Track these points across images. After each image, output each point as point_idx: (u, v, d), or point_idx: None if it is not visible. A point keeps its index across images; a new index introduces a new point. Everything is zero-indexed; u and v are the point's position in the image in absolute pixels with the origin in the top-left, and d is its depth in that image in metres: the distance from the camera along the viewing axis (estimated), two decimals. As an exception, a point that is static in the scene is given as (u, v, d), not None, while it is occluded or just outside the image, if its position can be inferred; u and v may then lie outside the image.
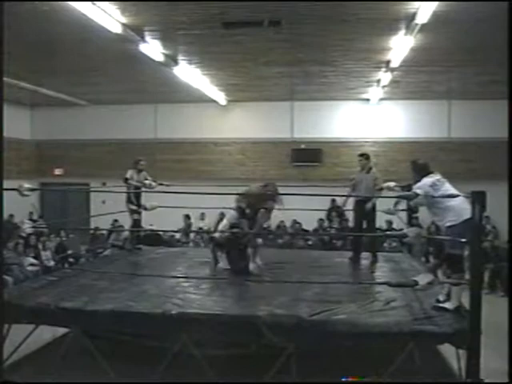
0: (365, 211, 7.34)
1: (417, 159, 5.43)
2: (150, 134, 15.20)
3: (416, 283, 4.94)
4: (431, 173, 5.12)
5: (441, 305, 4.91)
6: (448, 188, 4.98)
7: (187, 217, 13.92)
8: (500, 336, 5.04)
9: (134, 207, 8.21)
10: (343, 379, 4.57)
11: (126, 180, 8.17)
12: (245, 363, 4.93)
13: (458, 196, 4.82)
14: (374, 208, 7.40)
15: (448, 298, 4.96)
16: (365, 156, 7.70)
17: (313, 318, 4.70)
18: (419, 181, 5.08)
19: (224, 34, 8.00)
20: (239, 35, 8.12)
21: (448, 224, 4.86)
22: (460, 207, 4.78)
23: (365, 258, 7.55)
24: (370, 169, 7.57)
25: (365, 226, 7.51)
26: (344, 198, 7.85)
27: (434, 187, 4.95)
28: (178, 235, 13.52)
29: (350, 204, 7.72)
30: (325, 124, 14.42)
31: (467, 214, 4.57)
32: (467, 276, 4.75)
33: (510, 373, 4.18)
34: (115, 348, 5.19)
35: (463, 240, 4.58)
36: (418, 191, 4.87)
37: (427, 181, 5.02)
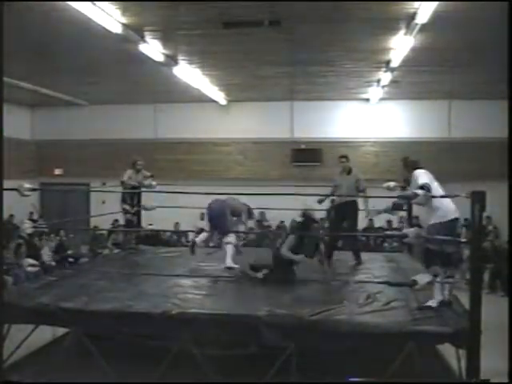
0: (346, 213, 7.37)
1: (407, 156, 5.56)
2: (149, 133, 15.20)
3: (415, 283, 4.96)
4: (422, 168, 5.19)
5: (424, 304, 4.95)
6: (436, 186, 5.05)
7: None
8: (500, 336, 5.04)
9: (127, 207, 8.16)
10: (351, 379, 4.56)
11: (122, 182, 8.06)
12: (245, 363, 4.93)
13: (448, 197, 4.94)
14: (356, 209, 7.44)
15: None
16: (346, 158, 7.66)
17: (313, 318, 4.71)
18: (409, 178, 5.17)
19: (224, 34, 8.00)
20: (239, 35, 8.13)
21: (432, 222, 4.93)
22: (447, 209, 4.91)
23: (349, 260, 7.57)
24: (351, 170, 7.53)
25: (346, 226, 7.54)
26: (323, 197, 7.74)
27: (431, 181, 5.04)
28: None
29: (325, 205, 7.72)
30: (325, 124, 14.42)
31: (452, 216, 4.82)
32: (457, 275, 4.87)
33: (510, 373, 4.18)
34: (115, 348, 5.19)
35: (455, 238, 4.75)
36: (419, 191, 4.89)
37: (426, 174, 5.08)
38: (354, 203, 7.40)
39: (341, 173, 7.59)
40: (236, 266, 6.44)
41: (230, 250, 6.49)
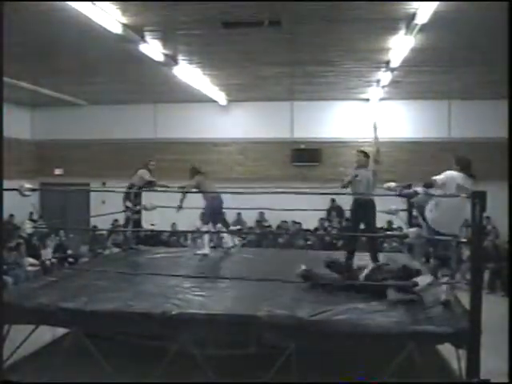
0: (364, 212, 7.24)
1: (464, 155, 5.39)
2: (149, 133, 15.19)
3: (416, 284, 4.96)
4: (461, 170, 5.09)
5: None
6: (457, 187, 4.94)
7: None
8: (500, 336, 5.04)
9: (130, 205, 8.25)
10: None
11: (151, 182, 8.35)
12: (245, 363, 4.93)
13: (447, 196, 4.88)
14: (374, 208, 7.31)
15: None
16: (364, 153, 7.50)
17: (313, 318, 4.70)
18: None
19: (224, 34, 7.99)
20: (239, 35, 8.12)
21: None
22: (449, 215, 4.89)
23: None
24: (367, 163, 7.18)
25: (363, 226, 7.42)
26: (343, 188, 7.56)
27: (450, 182, 4.93)
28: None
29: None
30: (324, 124, 14.41)
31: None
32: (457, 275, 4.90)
33: (510, 373, 4.18)
34: (115, 348, 5.19)
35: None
36: (419, 190, 4.89)
37: (446, 176, 5.01)
38: (372, 201, 7.24)
39: (358, 167, 7.11)
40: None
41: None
